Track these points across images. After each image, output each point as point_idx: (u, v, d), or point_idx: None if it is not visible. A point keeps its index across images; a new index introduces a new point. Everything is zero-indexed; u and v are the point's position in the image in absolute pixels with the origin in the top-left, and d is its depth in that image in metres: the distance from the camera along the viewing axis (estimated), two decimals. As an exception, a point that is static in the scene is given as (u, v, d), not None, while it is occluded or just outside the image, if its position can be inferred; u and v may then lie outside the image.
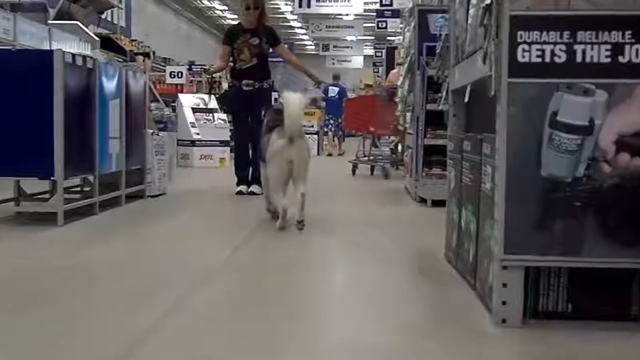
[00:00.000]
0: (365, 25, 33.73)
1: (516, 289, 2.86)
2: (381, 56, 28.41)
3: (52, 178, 5.46)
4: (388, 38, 31.99)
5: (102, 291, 3.51)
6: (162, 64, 18.36)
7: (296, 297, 3.47)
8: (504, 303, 2.86)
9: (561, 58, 2.77)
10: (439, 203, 6.16)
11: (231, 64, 7.82)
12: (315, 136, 17.14)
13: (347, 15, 33.03)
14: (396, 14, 23.66)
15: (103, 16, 15.55)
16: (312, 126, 16.70)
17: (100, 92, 6.00)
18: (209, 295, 3.49)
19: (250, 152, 7.68)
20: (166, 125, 11.05)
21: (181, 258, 4.38)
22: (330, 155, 17.48)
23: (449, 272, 3.88)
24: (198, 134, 12.61)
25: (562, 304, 2.92)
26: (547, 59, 2.78)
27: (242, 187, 7.65)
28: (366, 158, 11.61)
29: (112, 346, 2.62)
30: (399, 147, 10.84)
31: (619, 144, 2.76)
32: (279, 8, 34.38)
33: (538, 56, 2.78)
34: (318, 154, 17.19)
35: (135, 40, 17.22)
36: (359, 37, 37.37)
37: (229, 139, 12.30)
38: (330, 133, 18.04)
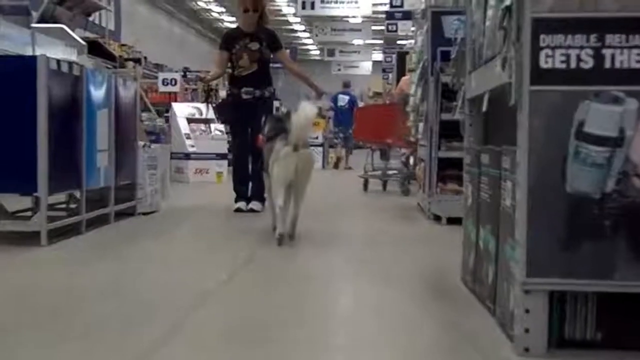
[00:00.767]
0: (373, 28, 33.81)
1: (540, 315, 2.84)
2: (391, 62, 28.47)
3: (35, 194, 5.46)
4: (398, 42, 32.00)
5: (90, 317, 3.49)
6: (154, 70, 18.39)
7: (300, 323, 3.46)
8: (526, 330, 2.84)
9: (588, 63, 2.77)
10: (454, 221, 6.16)
11: (229, 70, 7.83)
12: (320, 148, 17.16)
13: (354, 17, 33.12)
14: (407, 16, 23.70)
15: (90, 19, 15.59)
16: (317, 138, 16.70)
17: (88, 101, 6.01)
18: (205, 320, 3.48)
19: (250, 165, 7.68)
20: (159, 136, 11.05)
21: (175, 280, 4.37)
22: (336, 167, 17.50)
23: (466, 297, 3.86)
24: (193, 146, 12.61)
25: (590, 332, 2.90)
26: (573, 65, 2.77)
27: (241, 204, 7.64)
28: (377, 172, 11.59)
29: (100, 378, 2.61)
30: (411, 160, 10.83)
31: (652, 157, 2.75)
32: (281, 10, 34.49)
33: (562, 62, 2.78)
34: (323, 167, 17.21)
35: (125, 45, 17.24)
36: (367, 41, 37.46)
37: (226, 151, 12.31)
38: (339, 146, 18.01)
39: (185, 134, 12.69)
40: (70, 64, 5.91)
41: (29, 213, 6.09)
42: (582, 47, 2.77)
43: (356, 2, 25.89)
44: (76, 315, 3.53)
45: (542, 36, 2.78)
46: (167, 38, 31.84)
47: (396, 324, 3.49)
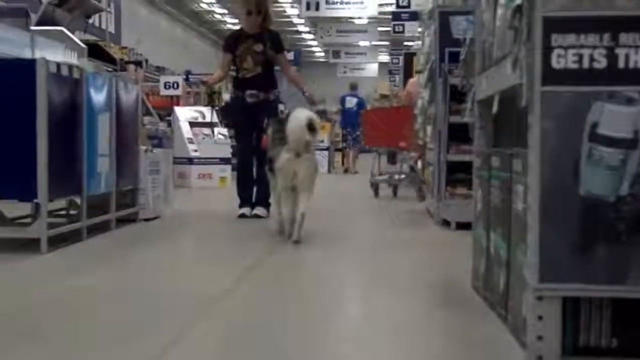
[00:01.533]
0: (380, 29, 33.84)
1: (553, 322, 2.83)
2: (398, 63, 28.53)
3: (34, 200, 5.45)
4: (405, 43, 32.09)
5: (91, 326, 3.49)
6: (156, 73, 18.42)
7: (307, 331, 3.45)
8: (539, 338, 2.83)
9: (601, 63, 2.76)
10: (464, 226, 6.14)
11: (233, 73, 7.82)
12: (326, 152, 17.18)
13: (359, 18, 33.18)
14: (414, 16, 23.67)
15: (90, 21, 15.62)
16: (322, 141, 16.70)
17: (88, 105, 6.02)
18: (208, 329, 3.47)
19: (255, 170, 7.67)
20: (161, 141, 11.04)
21: (178, 288, 4.37)
22: (347, 171, 17.55)
23: (476, 303, 3.85)
24: (196, 150, 12.63)
25: (605, 339, 2.89)
26: (586, 65, 2.77)
27: (245, 210, 7.64)
28: (385, 176, 11.56)
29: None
30: (419, 164, 10.80)
31: (668, 159, 2.74)
32: (285, 11, 34.53)
33: (575, 62, 2.77)
34: (329, 171, 17.21)
35: (125, 48, 17.28)
36: (373, 43, 37.49)
37: (230, 156, 12.31)
38: (349, 149, 18.12)
39: (188, 138, 12.72)
40: (70, 67, 5.91)
41: (28, 220, 6.09)
42: (595, 47, 2.76)
43: (362, 3, 25.92)
44: (77, 323, 3.53)
45: (553, 35, 2.77)
46: (169, 40, 31.87)
47: (406, 332, 3.48)
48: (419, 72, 10.08)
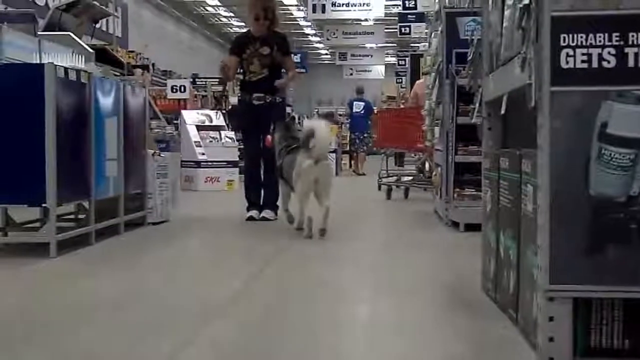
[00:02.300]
0: (386, 30, 33.82)
1: (564, 323, 2.81)
2: (405, 65, 28.48)
3: (43, 205, 5.46)
4: (412, 45, 32.11)
5: (100, 330, 3.49)
6: (163, 77, 18.46)
7: (317, 333, 3.45)
8: (551, 339, 2.81)
9: (610, 63, 2.75)
10: (473, 227, 6.13)
11: (240, 76, 7.82)
12: (334, 154, 17.19)
13: (366, 20, 33.21)
14: (421, 17, 23.68)
15: (97, 26, 15.65)
16: (330, 144, 16.75)
17: (96, 109, 6.03)
18: (218, 333, 3.47)
19: (262, 173, 7.67)
20: (168, 144, 11.09)
21: (187, 292, 4.37)
22: (357, 174, 17.58)
23: (487, 305, 3.84)
24: (203, 154, 12.64)
25: (617, 340, 2.87)
26: (595, 64, 2.75)
27: (253, 212, 7.63)
28: (394, 178, 11.53)
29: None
30: (427, 165, 10.77)
31: (679, 158, 2.72)
32: (291, 14, 34.56)
33: (584, 61, 2.76)
34: (337, 174, 17.21)
35: (132, 52, 17.33)
36: (380, 44, 37.49)
37: (238, 159, 12.32)
38: (357, 152, 18.22)
39: (195, 141, 12.72)
40: (78, 71, 5.92)
41: (37, 224, 6.11)
42: (604, 46, 2.75)
43: (368, 5, 25.91)
44: (86, 327, 3.53)
45: (562, 35, 2.76)
46: (175, 44, 31.95)
47: (415, 333, 3.48)
48: (426, 73, 10.07)
